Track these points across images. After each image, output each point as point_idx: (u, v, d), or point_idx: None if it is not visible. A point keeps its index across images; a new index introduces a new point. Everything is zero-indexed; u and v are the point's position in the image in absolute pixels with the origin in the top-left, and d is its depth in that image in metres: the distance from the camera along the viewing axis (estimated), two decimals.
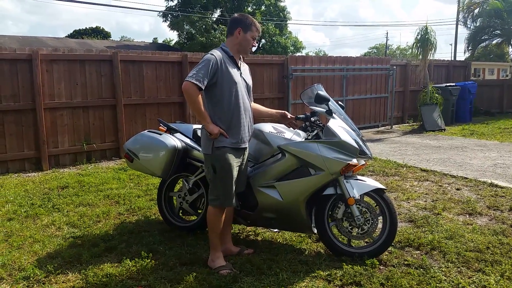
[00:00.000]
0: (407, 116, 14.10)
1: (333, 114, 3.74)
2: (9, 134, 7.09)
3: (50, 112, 7.37)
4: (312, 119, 3.89)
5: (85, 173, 6.91)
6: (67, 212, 5.00)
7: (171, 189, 4.52)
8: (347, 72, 11.62)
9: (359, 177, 3.78)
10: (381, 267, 3.56)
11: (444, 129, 12.13)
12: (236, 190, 3.51)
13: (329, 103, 3.71)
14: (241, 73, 3.52)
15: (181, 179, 4.43)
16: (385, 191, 3.75)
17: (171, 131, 4.28)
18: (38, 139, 7.25)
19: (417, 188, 6.03)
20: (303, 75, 10.71)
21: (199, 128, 4.31)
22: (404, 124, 13.85)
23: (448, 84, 13.58)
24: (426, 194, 5.73)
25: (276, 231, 4.30)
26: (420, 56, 12.09)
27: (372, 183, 3.74)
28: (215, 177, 3.43)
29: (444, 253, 3.81)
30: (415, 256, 3.79)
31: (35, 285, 3.28)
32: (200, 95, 3.23)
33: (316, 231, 3.82)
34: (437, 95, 12.60)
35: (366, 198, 3.83)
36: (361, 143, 3.69)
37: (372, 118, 12.83)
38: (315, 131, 3.85)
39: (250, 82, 3.67)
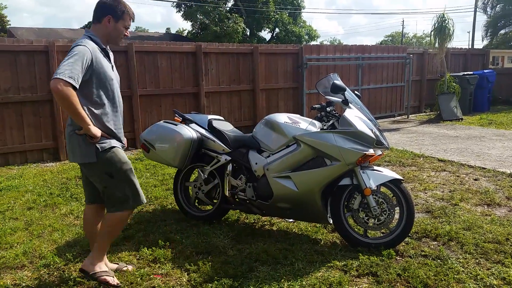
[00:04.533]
0: (423, 105, 13.90)
1: (349, 104, 3.71)
2: (28, 125, 7.20)
3: None
4: (328, 109, 3.86)
5: None
6: (85, 201, 5.06)
7: (187, 179, 4.56)
8: (362, 61, 11.48)
9: (375, 167, 3.75)
10: (398, 258, 3.54)
11: (462, 119, 11.93)
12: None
13: (345, 92, 3.67)
14: (112, 67, 3.07)
15: (196, 169, 4.46)
16: (402, 181, 3.72)
17: (186, 121, 4.29)
18: (56, 130, 7.35)
19: (434, 179, 5.96)
20: (318, 65, 10.62)
21: (215, 119, 4.33)
22: (421, 114, 13.66)
23: (466, 73, 13.33)
24: (444, 184, 5.66)
25: (291, 221, 4.30)
26: (437, 45, 11.86)
27: (389, 173, 3.70)
28: (114, 182, 2.99)
29: (462, 244, 3.77)
30: (432, 247, 3.76)
31: (55, 273, 3.35)
32: (75, 95, 2.67)
33: (331, 222, 3.82)
34: (454, 84, 12.39)
35: (383, 189, 3.80)
36: (378, 133, 3.65)
37: (388, 108, 12.68)
38: (331, 121, 3.83)
39: (118, 75, 3.20)
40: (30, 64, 7.14)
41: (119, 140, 3.11)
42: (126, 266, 3.38)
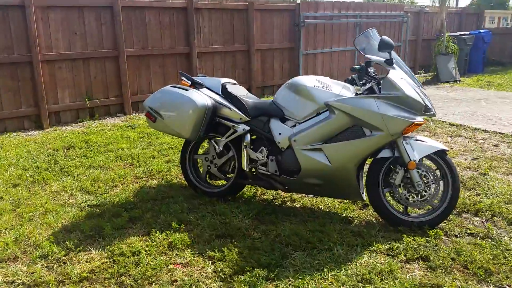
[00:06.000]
0: (418, 66, 13.49)
1: (394, 64, 3.22)
2: (5, 90, 6.45)
3: (47, 65, 6.70)
4: (370, 70, 3.35)
5: (90, 131, 6.37)
6: (77, 176, 4.52)
7: (195, 151, 4.04)
8: (360, 20, 10.87)
9: (418, 136, 3.31)
10: (445, 238, 3.17)
11: (459, 80, 11.60)
12: None
13: (392, 51, 3.17)
14: None
15: (206, 140, 3.95)
16: (447, 152, 3.30)
17: (196, 85, 3.73)
18: (37, 95, 6.63)
19: (452, 145, 5.60)
20: (315, 23, 9.98)
21: (229, 83, 3.78)
22: (416, 75, 13.23)
23: (462, 33, 12.90)
24: (464, 151, 5.30)
25: (312, 196, 3.88)
26: (438, 3, 11.32)
27: (434, 143, 3.28)
28: None
29: (507, 220, 3.43)
30: (476, 223, 3.41)
31: (55, 266, 2.85)
32: None
33: (365, 198, 3.40)
34: (453, 44, 11.96)
35: (425, 161, 3.37)
36: (425, 97, 3.19)
37: (385, 69, 12.19)
38: (368, 85, 3.33)
39: None
40: (5, 21, 6.30)
41: None
42: None
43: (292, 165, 3.42)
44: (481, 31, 13.54)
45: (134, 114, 7.63)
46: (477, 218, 3.50)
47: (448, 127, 6.58)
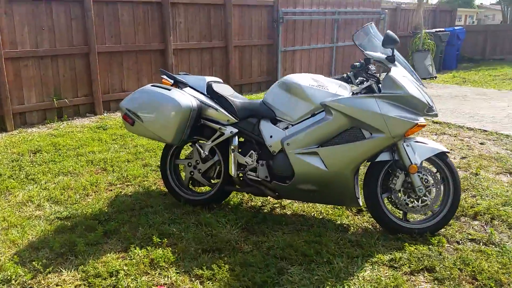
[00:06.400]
0: None
1: (395, 62, 3.00)
2: None
3: (12, 63, 6.19)
4: (371, 67, 3.13)
5: (58, 134, 5.93)
6: (45, 183, 4.12)
7: (177, 156, 3.72)
8: (338, 16, 10.72)
9: (418, 138, 3.11)
10: (447, 245, 2.98)
11: (436, 77, 11.64)
12: None
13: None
14: None
15: (189, 143, 3.64)
16: (448, 154, 3.11)
17: (179, 84, 3.41)
18: (0, 95, 6.13)
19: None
20: (294, 19, 9.75)
21: (215, 81, 3.49)
22: None
23: (438, 30, 12.95)
24: (451, 149, 5.18)
25: (303, 202, 3.63)
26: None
27: (434, 145, 3.08)
28: None
29: (508, 223, 3.29)
30: (476, 228, 3.24)
31: None
32: None
33: (360, 204, 3.18)
34: (429, 41, 11.98)
35: (424, 163, 3.17)
36: (428, 97, 2.99)
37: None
38: (367, 83, 3.10)
39: None
40: None
41: None
42: None
43: (284, 170, 3.16)
44: (456, 28, 13.66)
45: (105, 114, 7.21)
46: (476, 222, 3.34)
47: (431, 124, 6.47)
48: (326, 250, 2.84)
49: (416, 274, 2.64)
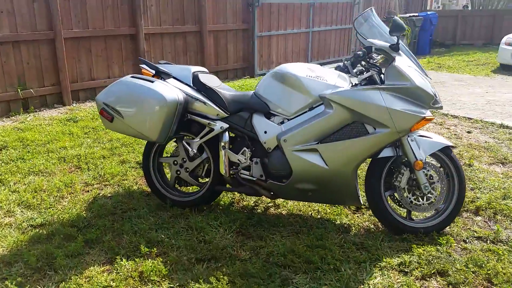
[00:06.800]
0: None
1: (399, 51, 2.79)
2: None
3: None
4: (377, 56, 2.90)
5: (25, 127, 5.47)
6: (14, 185, 3.74)
7: (160, 153, 3.42)
8: (314, 0, 10.46)
9: (421, 132, 2.93)
10: (455, 245, 2.84)
11: None
12: None
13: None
14: None
15: (173, 140, 3.35)
16: (453, 148, 2.96)
17: (161, 75, 3.10)
18: None
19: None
20: (269, 2, 9.43)
21: (201, 72, 3.19)
22: None
23: (411, 15, 12.93)
24: None
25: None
26: None
27: (439, 139, 2.92)
28: None
29: (511, 218, 3.18)
30: (480, 224, 3.12)
31: None
32: None
33: (361, 202, 2.99)
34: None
35: (428, 158, 3.00)
36: (433, 89, 2.81)
37: (336, 52, 11.96)
38: (367, 74, 2.88)
39: None
40: None
41: None
42: None
43: (281, 168, 2.93)
44: (428, 13, 13.67)
45: (74, 105, 6.74)
46: (479, 218, 3.22)
47: None
48: (331, 255, 2.64)
49: (428, 279, 2.49)
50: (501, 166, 4.24)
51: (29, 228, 3.04)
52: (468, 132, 5.38)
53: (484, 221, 3.18)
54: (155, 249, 2.73)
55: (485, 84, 8.49)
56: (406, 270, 2.55)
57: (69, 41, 6.60)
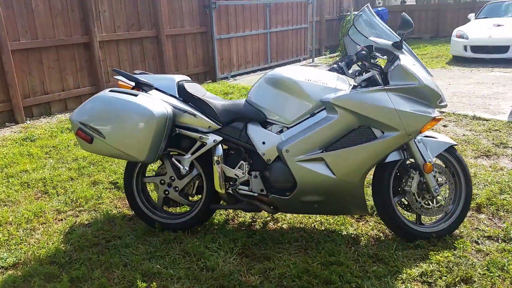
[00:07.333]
0: (323, 47, 13.47)
1: (402, 49, 2.64)
2: None
3: None
4: (379, 55, 2.75)
5: None
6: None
7: (144, 172, 3.09)
8: (269, 0, 10.32)
9: (427, 132, 2.81)
10: (469, 247, 2.73)
11: None
12: None
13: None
14: None
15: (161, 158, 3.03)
16: (456, 147, 2.86)
17: (143, 87, 2.78)
18: None
19: None
20: (226, 4, 9.18)
21: (186, 81, 2.91)
22: (323, 57, 13.19)
23: None
24: None
25: None
26: None
27: (444, 139, 2.82)
28: None
29: None
30: (486, 223, 3.04)
31: None
32: None
33: (368, 210, 2.83)
34: None
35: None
36: (439, 87, 2.69)
37: (294, 52, 11.89)
38: (367, 74, 2.72)
39: None
40: None
41: None
42: None
43: (284, 181, 2.70)
44: (379, 9, 13.97)
45: (28, 122, 6.18)
46: (483, 216, 3.14)
47: None
48: (349, 272, 2.45)
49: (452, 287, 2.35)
50: (486, 159, 4.24)
51: (2, 271, 2.63)
52: (444, 126, 5.40)
53: (489, 218, 3.10)
54: (154, 283, 2.42)
55: (445, 76, 8.68)
56: (429, 281, 2.40)
57: (17, 53, 6.05)
